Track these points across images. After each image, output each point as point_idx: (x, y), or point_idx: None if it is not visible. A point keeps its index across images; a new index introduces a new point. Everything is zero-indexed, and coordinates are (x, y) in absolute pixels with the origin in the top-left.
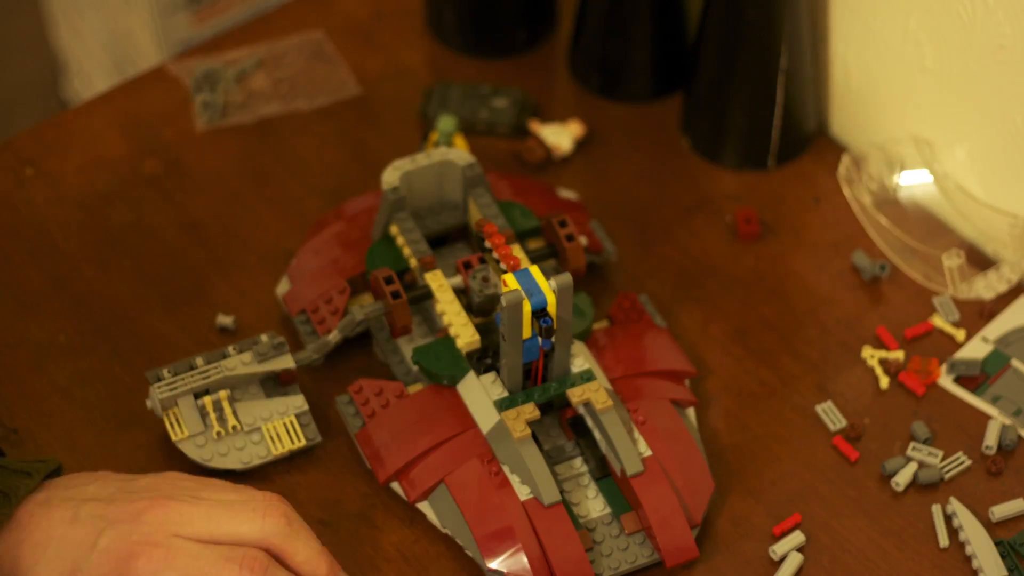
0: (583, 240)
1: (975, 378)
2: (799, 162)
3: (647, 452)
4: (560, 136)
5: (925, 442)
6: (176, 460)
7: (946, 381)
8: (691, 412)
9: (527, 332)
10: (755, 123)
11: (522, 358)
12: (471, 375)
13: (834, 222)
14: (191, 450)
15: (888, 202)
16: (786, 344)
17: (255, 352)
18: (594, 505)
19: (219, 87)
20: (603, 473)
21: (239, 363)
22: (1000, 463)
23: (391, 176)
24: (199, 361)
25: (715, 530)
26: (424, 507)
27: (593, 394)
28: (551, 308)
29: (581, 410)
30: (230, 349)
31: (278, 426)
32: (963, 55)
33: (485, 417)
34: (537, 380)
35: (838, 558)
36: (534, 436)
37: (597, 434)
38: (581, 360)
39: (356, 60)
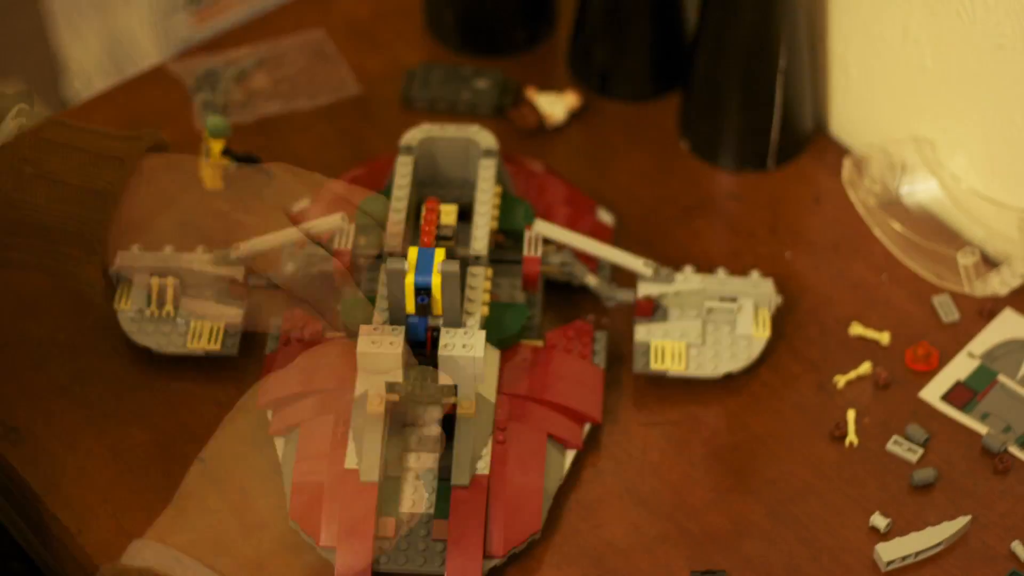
0: (538, 251)
1: (964, 395)
2: (799, 162)
3: (484, 471)
4: (555, 105)
5: (923, 443)
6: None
7: (934, 399)
8: (569, 455)
9: (410, 307)
10: (754, 124)
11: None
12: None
13: (834, 222)
14: (124, 321)
15: (893, 203)
16: (786, 344)
17: (216, 257)
18: (419, 501)
19: (219, 87)
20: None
21: (197, 260)
22: (1008, 461)
23: (412, 135)
24: (168, 249)
25: (715, 528)
26: (278, 442)
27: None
28: (435, 290)
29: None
30: (200, 248)
31: (204, 327)
32: (963, 55)
33: (361, 382)
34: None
35: (838, 557)
36: (404, 417)
37: (454, 435)
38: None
39: (356, 59)
